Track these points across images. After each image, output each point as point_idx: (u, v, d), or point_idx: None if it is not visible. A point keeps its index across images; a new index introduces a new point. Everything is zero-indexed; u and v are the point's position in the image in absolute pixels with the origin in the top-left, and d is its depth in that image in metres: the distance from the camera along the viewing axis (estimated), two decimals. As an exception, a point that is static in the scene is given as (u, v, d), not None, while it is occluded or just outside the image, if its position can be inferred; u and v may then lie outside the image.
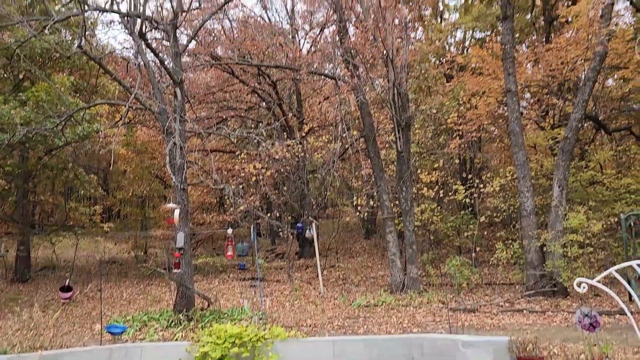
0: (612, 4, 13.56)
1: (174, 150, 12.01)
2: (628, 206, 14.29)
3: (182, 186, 11.90)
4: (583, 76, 15.21)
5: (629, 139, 20.53)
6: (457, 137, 18.35)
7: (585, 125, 19.08)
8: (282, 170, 20.44)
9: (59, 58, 16.60)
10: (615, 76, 18.37)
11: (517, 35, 22.73)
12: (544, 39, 20.76)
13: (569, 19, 18.04)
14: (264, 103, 23.89)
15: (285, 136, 22.66)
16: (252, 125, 25.79)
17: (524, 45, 23.23)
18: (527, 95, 19.97)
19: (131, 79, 18.24)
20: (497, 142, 21.12)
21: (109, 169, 23.90)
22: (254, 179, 19.37)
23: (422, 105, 21.09)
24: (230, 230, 13.96)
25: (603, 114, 17.88)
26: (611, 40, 14.32)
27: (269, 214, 23.40)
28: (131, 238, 25.16)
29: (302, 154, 20.82)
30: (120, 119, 18.83)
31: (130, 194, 25.08)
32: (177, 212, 11.15)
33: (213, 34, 22.79)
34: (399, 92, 15.74)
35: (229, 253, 14.18)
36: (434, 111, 20.07)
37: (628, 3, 17.15)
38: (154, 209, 28.31)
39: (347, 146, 19.49)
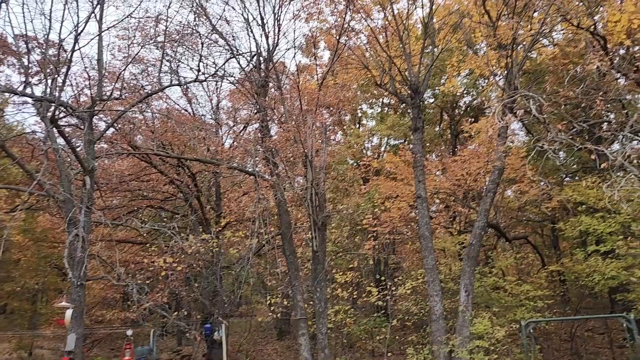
0: (507, 127, 15.12)
1: (76, 243, 11.24)
2: (528, 313, 14.98)
3: (79, 282, 11.02)
4: (485, 187, 16.45)
5: (526, 247, 22.04)
6: (372, 238, 18.80)
7: (489, 231, 20.35)
8: (194, 265, 19.65)
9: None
10: (513, 188, 20.08)
11: (427, 144, 24.55)
12: (451, 150, 22.54)
13: (472, 134, 19.83)
14: (181, 194, 23.42)
15: (201, 229, 22.08)
16: (167, 217, 24.98)
17: (433, 154, 25.03)
18: (437, 200, 21.16)
19: (38, 163, 17.34)
20: (410, 244, 21.85)
21: None
22: (163, 273, 18.37)
23: (339, 205, 21.63)
24: (129, 332, 12.91)
25: (503, 222, 19.23)
26: (508, 156, 15.79)
27: (176, 312, 22.03)
28: (16, 337, 22.47)
29: (217, 249, 20.26)
30: (20, 204, 17.55)
31: (21, 286, 22.77)
32: (69, 312, 10.19)
33: (133, 123, 22.56)
34: (316, 192, 16.11)
35: (126, 357, 12.97)
36: (350, 211, 20.61)
37: (521, 124, 19.23)
38: (47, 303, 25.78)
39: (263, 243, 19.26)
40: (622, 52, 17.89)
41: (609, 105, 15.97)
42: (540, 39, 18.23)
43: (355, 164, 24.60)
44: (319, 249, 15.85)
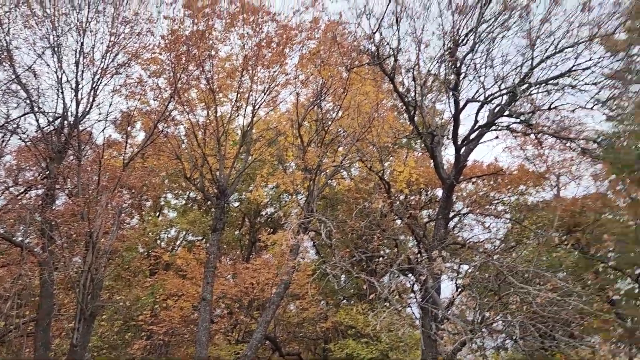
0: (298, 246, 16.03)
1: None
2: None
3: None
4: (270, 298, 16.79)
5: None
6: (145, 337, 17.36)
7: (265, 343, 20.42)
8: None
9: None
10: (296, 303, 20.86)
11: (224, 246, 24.52)
12: (246, 256, 22.83)
13: (268, 244, 20.50)
14: None
15: None
16: None
17: (228, 257, 25.02)
18: (222, 305, 20.77)
19: None
20: (185, 347, 20.67)
21: None
22: None
23: (117, 295, 19.79)
24: None
25: (281, 336, 19.59)
26: (297, 272, 16.57)
27: None
28: None
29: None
30: None
31: None
32: None
33: None
34: (92, 277, 14.59)
35: None
36: (127, 304, 18.97)
37: (312, 244, 20.61)
38: None
39: (10, 327, 16.33)
40: (401, 197, 20.99)
41: (385, 241, 18.22)
42: (341, 170, 20.51)
43: (146, 253, 23.19)
44: (79, 343, 13.98)
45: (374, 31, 13.29)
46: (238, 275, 17.87)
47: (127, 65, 18.68)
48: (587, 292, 9.66)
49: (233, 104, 19.88)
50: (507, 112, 12.97)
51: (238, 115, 20.30)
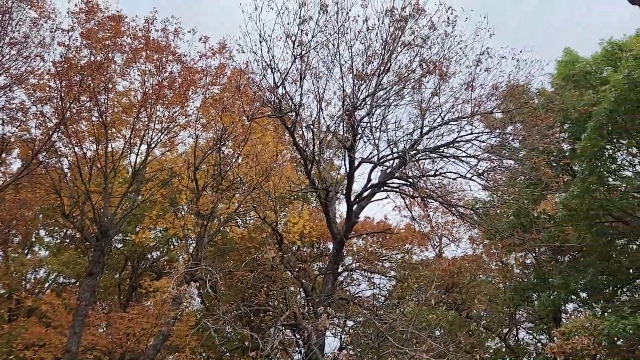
0: (181, 296, 15.26)
1: None
2: None
3: None
4: (145, 350, 15.63)
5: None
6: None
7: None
8: None
9: None
10: (174, 356, 19.60)
11: (101, 291, 22.68)
12: (124, 303, 21.24)
13: (150, 291, 19.27)
14: None
15: None
16: None
17: (104, 303, 23.12)
18: (91, 357, 18.94)
19: None
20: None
21: None
22: None
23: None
24: None
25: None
26: (178, 322, 15.67)
27: None
28: None
29: None
30: None
31: None
32: None
33: None
34: None
35: None
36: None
37: (198, 292, 19.73)
38: None
39: None
40: (294, 249, 21.02)
41: (273, 293, 17.94)
42: (235, 218, 20.14)
43: (6, 295, 20.71)
44: None
45: (277, 84, 13.55)
46: (112, 324, 16.48)
47: (8, 88, 17.27)
48: (460, 353, 10.14)
49: (126, 140, 19.03)
50: (397, 174, 13.68)
51: (130, 153, 19.41)
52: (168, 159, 21.22)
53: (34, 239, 24.13)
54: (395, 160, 13.89)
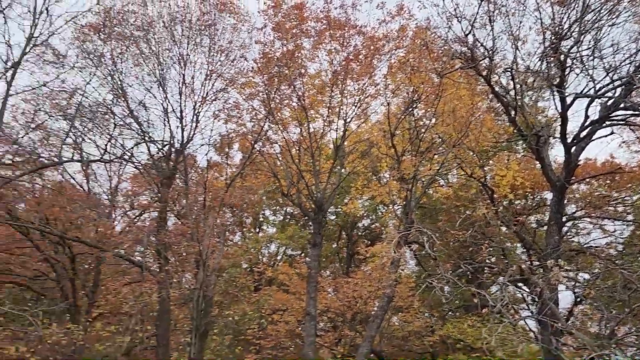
0: (399, 259, 15.78)
1: None
2: None
3: None
4: (373, 312, 16.66)
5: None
6: (254, 351, 17.92)
7: (372, 358, 20.24)
8: (50, 357, 17.30)
9: None
10: (399, 316, 20.48)
11: (323, 260, 24.78)
12: (345, 269, 22.89)
13: (367, 257, 20.40)
14: (54, 274, 21.15)
15: (68, 318, 19.81)
16: (32, 298, 22.27)
17: (328, 270, 25.25)
18: (325, 319, 20.94)
19: None
20: (292, 361, 21.04)
21: None
22: (11, 364, 15.92)
23: (225, 310, 20.64)
24: None
25: (387, 350, 19.30)
26: (398, 284, 16.29)
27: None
28: None
29: (82, 342, 18.12)
30: None
31: None
32: None
33: (17, 190, 20.71)
34: (204, 295, 15.35)
35: None
36: (236, 319, 19.69)
37: (412, 255, 20.20)
38: None
39: (137, 342, 17.60)
40: (505, 203, 19.95)
41: (491, 249, 17.39)
42: (438, 178, 19.97)
43: (249, 269, 24.05)
44: (196, 357, 14.74)
45: (466, 33, 12.85)
46: (339, 289, 17.92)
47: (224, 90, 19.71)
48: None
49: (324, 119, 20.18)
50: (622, 105, 11.89)
51: (330, 130, 20.58)
52: (364, 130, 21.95)
53: (261, 219, 27.45)
54: (618, 89, 12.07)
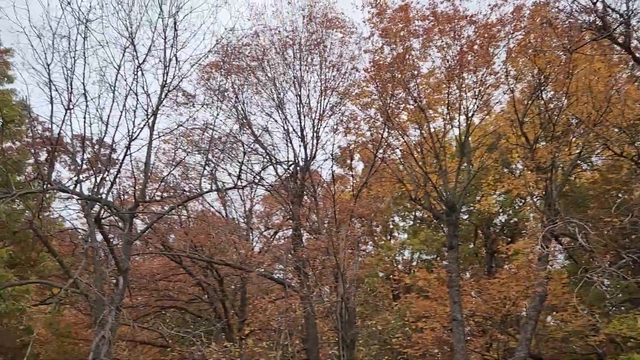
0: (547, 255, 14.63)
1: (101, 345, 10.89)
2: None
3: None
4: (525, 313, 15.62)
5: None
6: (402, 360, 17.73)
7: (529, 361, 18.95)
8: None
9: (3, 227, 15.92)
10: (554, 316, 18.97)
11: (461, 262, 23.89)
12: (486, 270, 21.83)
13: (510, 254, 19.26)
14: (206, 297, 22.96)
15: (224, 337, 21.30)
16: (191, 320, 24.36)
17: (467, 272, 24.28)
18: (472, 323, 20.09)
19: (72, 256, 17.48)
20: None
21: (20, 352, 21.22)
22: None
23: (367, 320, 20.74)
24: None
25: (546, 353, 17.95)
26: (549, 281, 15.12)
27: None
28: None
29: (239, 359, 19.35)
30: (51, 296, 17.49)
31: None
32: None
33: (168, 222, 22.86)
34: (346, 306, 15.56)
35: None
36: (379, 327, 19.67)
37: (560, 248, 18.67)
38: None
39: (289, 357, 18.34)
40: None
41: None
42: (580, 163, 18.28)
43: (385, 277, 23.98)
44: (348, 369, 14.95)
45: (594, 1, 11.68)
46: (484, 290, 17.10)
47: (339, 104, 20.08)
48: None
49: (444, 117, 19.59)
50: None
51: (452, 128, 19.93)
52: (488, 122, 20.92)
53: (391, 226, 27.30)
54: None
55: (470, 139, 19.75)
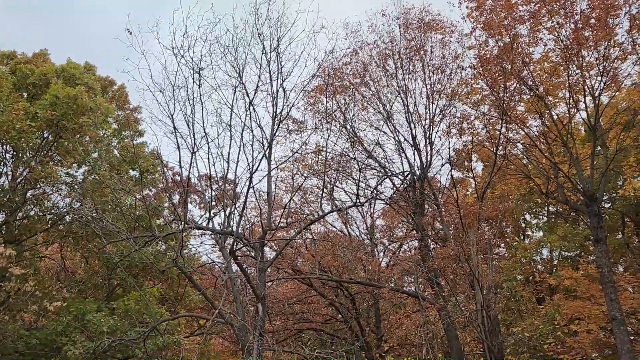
0: None
1: (250, 371, 11.40)
2: None
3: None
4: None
5: None
6: (558, 368, 16.33)
7: None
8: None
9: (152, 268, 17.51)
10: None
11: (610, 255, 21.64)
12: (642, 261, 19.51)
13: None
14: (340, 316, 23.17)
15: (363, 355, 21.29)
16: (328, 340, 24.70)
17: (620, 266, 21.89)
18: (633, 321, 17.98)
19: (213, 288, 18.66)
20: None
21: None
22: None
23: (511, 327, 19.48)
24: None
25: None
26: None
27: None
28: None
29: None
30: (199, 327, 18.76)
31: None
32: None
33: (295, 247, 23.56)
34: (488, 314, 14.76)
35: None
36: (527, 334, 18.36)
37: None
38: None
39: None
40: None
41: None
42: None
43: (524, 280, 22.41)
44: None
45: None
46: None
47: (449, 106, 19.44)
48: None
49: (567, 100, 18.12)
50: None
51: (577, 111, 18.33)
52: (620, 98, 18.94)
53: (523, 225, 25.58)
54: None
55: (600, 120, 18.01)
